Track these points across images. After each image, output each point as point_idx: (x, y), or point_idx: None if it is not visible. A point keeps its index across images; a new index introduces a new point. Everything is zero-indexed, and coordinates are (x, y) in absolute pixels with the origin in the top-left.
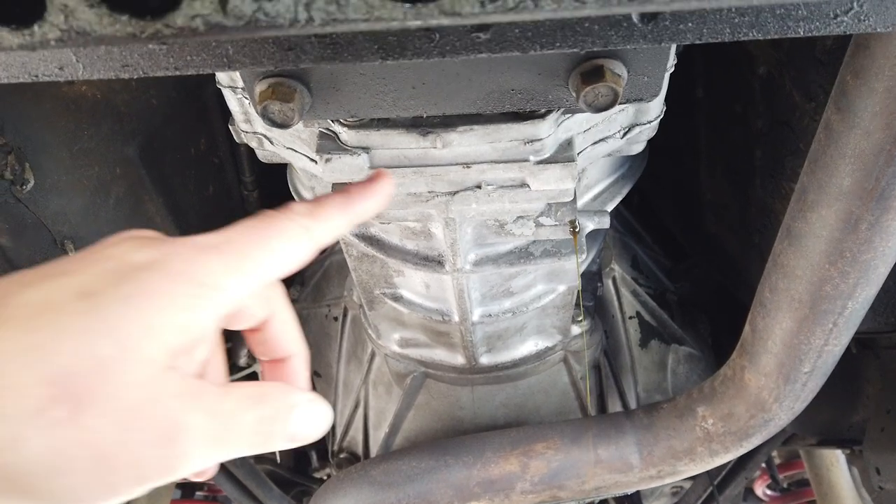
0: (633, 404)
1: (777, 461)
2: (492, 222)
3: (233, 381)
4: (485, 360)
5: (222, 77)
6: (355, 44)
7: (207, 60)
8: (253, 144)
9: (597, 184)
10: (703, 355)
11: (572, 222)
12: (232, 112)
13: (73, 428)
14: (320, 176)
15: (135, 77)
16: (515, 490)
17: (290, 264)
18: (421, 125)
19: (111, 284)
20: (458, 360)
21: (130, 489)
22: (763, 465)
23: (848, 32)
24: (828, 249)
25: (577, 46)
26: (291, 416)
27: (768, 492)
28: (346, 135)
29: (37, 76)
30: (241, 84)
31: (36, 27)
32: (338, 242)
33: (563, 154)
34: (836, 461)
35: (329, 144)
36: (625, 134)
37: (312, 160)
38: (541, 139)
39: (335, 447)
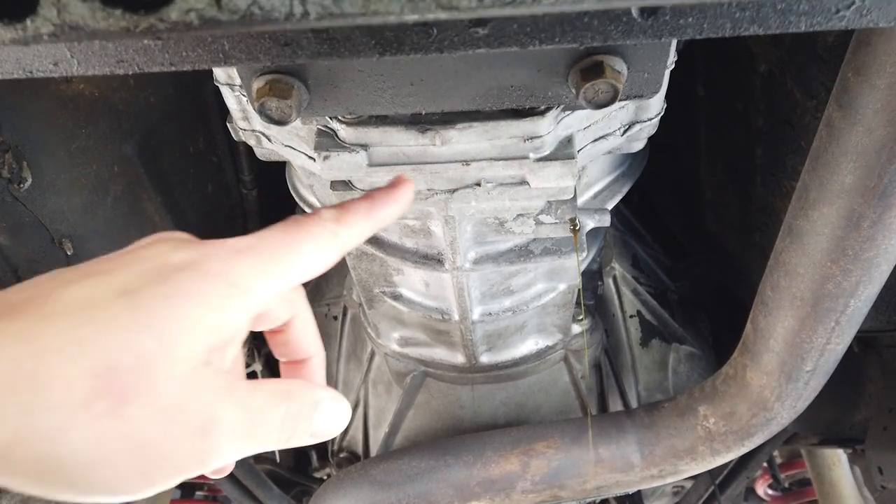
0: (634, 403)
1: (779, 460)
2: (491, 220)
3: None
4: (485, 358)
5: (220, 74)
6: (352, 39)
7: (203, 56)
8: (251, 142)
9: (597, 181)
10: (704, 354)
11: (572, 220)
12: (230, 110)
13: (116, 420)
14: (319, 174)
15: (130, 73)
16: (516, 489)
17: (318, 268)
18: (420, 122)
19: (151, 283)
20: (459, 358)
21: (165, 481)
22: (765, 464)
23: (850, 27)
24: (830, 247)
25: (576, 42)
26: (315, 412)
27: (770, 491)
28: (344, 132)
29: (31, 72)
30: (238, 81)
31: (28, 21)
32: None
33: (563, 151)
34: (837, 460)
35: (327, 142)
36: (625, 131)
37: (311, 158)
38: (540, 136)
39: (335, 447)
